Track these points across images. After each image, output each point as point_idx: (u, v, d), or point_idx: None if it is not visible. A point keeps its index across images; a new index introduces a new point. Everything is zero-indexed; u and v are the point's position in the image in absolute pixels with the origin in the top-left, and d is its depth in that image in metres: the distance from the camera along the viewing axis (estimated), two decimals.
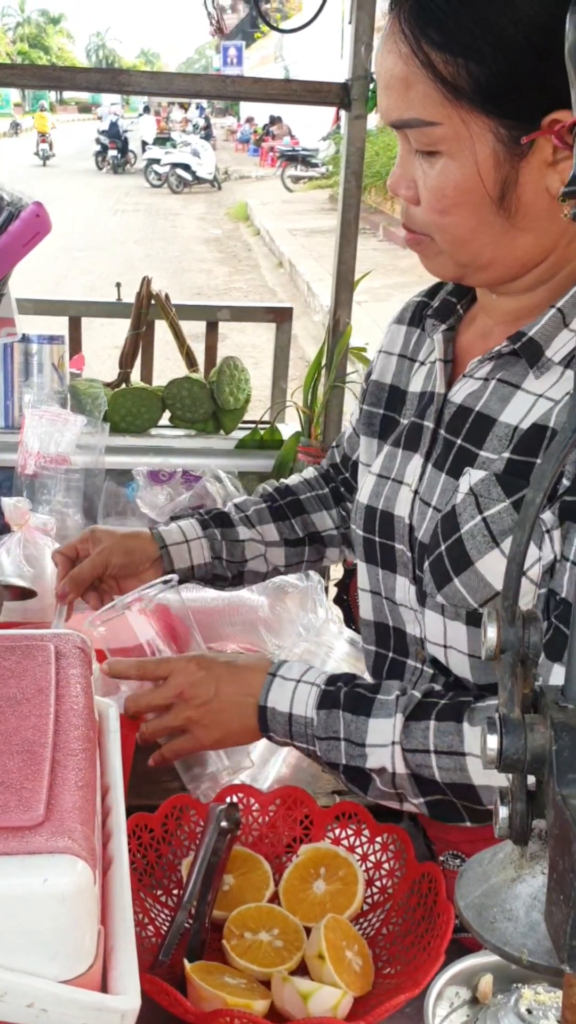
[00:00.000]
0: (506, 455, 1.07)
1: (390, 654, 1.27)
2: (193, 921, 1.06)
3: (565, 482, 0.99)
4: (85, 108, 67.46)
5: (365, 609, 1.30)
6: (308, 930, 1.07)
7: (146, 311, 2.56)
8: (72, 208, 17.18)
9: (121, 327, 2.62)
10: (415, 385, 1.27)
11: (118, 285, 2.77)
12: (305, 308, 10.46)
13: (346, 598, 2.11)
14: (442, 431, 1.17)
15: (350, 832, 1.18)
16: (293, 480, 1.55)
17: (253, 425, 2.54)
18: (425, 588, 1.15)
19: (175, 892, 1.14)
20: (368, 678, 1.35)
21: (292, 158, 23.00)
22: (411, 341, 1.30)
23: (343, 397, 2.47)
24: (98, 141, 28.57)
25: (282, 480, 1.57)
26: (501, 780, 1.03)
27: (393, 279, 9.91)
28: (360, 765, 1.09)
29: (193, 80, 2.36)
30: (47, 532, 1.80)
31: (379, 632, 1.28)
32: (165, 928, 1.09)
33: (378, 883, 1.15)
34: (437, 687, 1.15)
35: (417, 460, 1.20)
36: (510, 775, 0.58)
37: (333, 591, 2.16)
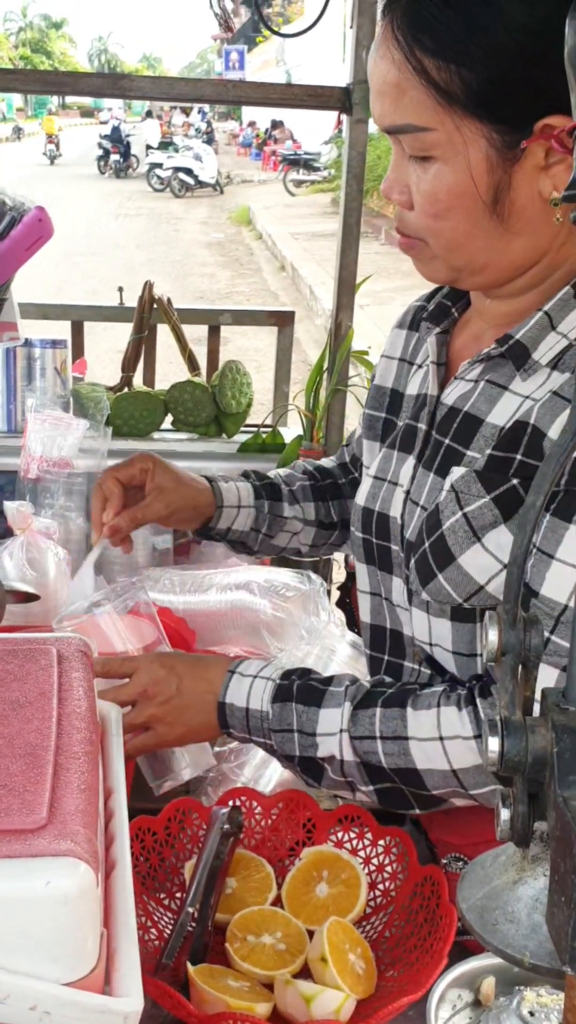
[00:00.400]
0: (488, 452, 1.08)
1: (386, 657, 1.27)
2: (196, 924, 1.06)
3: None
4: (87, 112, 67.52)
5: (364, 611, 1.31)
6: (311, 933, 1.07)
7: (148, 315, 2.56)
8: (75, 212, 17.20)
9: (123, 331, 2.63)
10: (411, 388, 1.28)
11: (120, 289, 2.77)
12: (308, 312, 10.47)
13: (348, 601, 2.11)
14: (434, 432, 1.18)
15: (353, 835, 1.19)
16: (328, 464, 1.57)
17: (255, 429, 2.54)
18: (411, 586, 1.16)
19: (178, 895, 1.14)
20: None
21: (294, 162, 23.02)
22: (410, 345, 1.32)
23: (345, 401, 2.47)
24: (100, 145, 28.59)
25: (315, 462, 1.58)
26: (443, 764, 1.05)
27: (395, 282, 9.92)
28: (312, 755, 1.11)
29: (195, 85, 2.36)
30: (50, 536, 1.80)
31: (375, 635, 1.29)
32: (168, 931, 1.09)
33: (381, 886, 1.15)
34: (387, 679, 1.16)
35: (410, 461, 1.21)
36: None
37: (336, 594, 2.16)
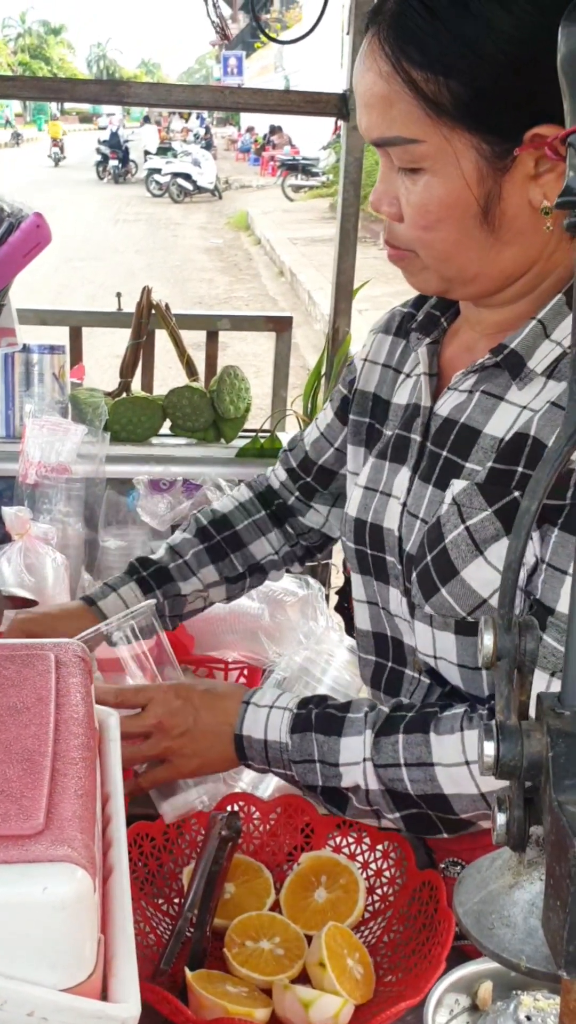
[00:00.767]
0: (489, 464, 1.08)
1: (389, 663, 1.27)
2: (194, 930, 1.06)
3: None
4: (86, 118, 67.60)
5: (362, 619, 1.30)
6: (309, 938, 1.07)
7: (146, 320, 2.56)
8: (73, 218, 17.22)
9: (121, 337, 2.63)
10: (400, 397, 1.26)
11: (118, 295, 2.77)
12: (306, 317, 10.48)
13: (346, 606, 2.11)
14: (429, 444, 1.17)
15: (351, 840, 1.19)
16: (227, 506, 1.50)
17: (253, 433, 2.55)
18: (413, 599, 1.15)
19: (176, 901, 1.14)
20: (366, 689, 1.35)
21: (292, 167, 23.06)
22: (396, 352, 1.30)
23: None
24: (99, 151, 28.62)
25: (214, 507, 1.50)
26: (471, 788, 1.04)
27: (393, 287, 9.90)
28: (336, 785, 1.09)
29: (193, 91, 2.37)
30: (48, 541, 1.81)
31: (378, 641, 1.28)
32: (166, 937, 1.09)
33: (379, 891, 1.15)
34: (406, 701, 1.15)
35: (405, 473, 1.20)
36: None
37: (334, 599, 2.16)
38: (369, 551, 1.25)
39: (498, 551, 1.05)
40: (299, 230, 16.34)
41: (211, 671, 1.61)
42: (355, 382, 1.34)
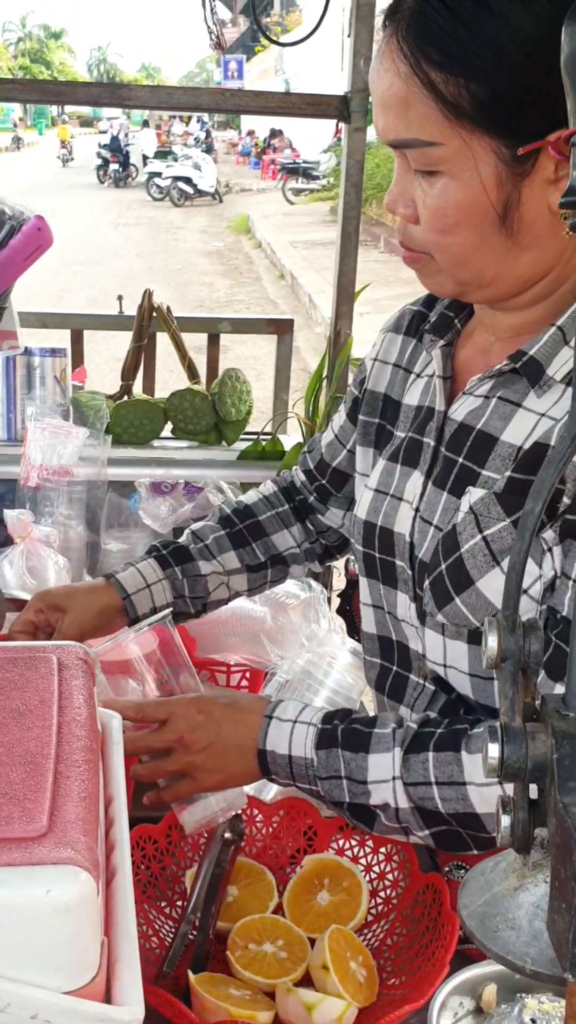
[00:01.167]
0: (507, 473, 1.06)
1: (394, 667, 1.26)
2: (197, 932, 1.06)
3: (566, 500, 0.99)
4: (87, 122, 67.69)
5: (368, 623, 1.30)
6: (312, 941, 1.07)
7: (148, 323, 2.56)
8: (74, 222, 17.24)
9: (123, 340, 2.63)
10: (411, 398, 1.25)
11: (120, 298, 2.77)
12: (307, 320, 10.48)
13: (348, 609, 2.11)
14: (443, 449, 1.16)
15: (354, 843, 1.18)
16: (251, 498, 1.51)
17: (255, 436, 2.55)
18: (425, 607, 1.14)
19: (179, 903, 1.14)
20: (368, 691, 1.35)
21: (293, 171, 23.07)
22: (407, 351, 1.29)
23: None
24: (99, 155, 28.67)
25: (240, 499, 1.52)
26: None
27: (395, 290, 9.93)
28: (364, 802, 1.07)
29: (193, 94, 2.37)
30: (50, 544, 1.81)
31: (383, 645, 1.28)
32: (169, 940, 1.09)
33: (382, 894, 1.14)
34: (433, 715, 1.13)
35: (417, 477, 1.19)
36: (510, 787, 0.58)
37: (336, 602, 2.16)
38: (378, 555, 1.24)
39: None
40: (300, 233, 16.35)
41: (213, 674, 1.61)
42: (365, 382, 1.33)
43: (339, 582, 2.29)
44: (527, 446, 1.06)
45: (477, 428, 1.11)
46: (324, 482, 1.46)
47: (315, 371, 2.49)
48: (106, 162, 28.24)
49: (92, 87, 2.51)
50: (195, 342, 2.68)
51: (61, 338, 2.62)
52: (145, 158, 27.76)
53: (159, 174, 23.69)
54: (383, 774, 1.06)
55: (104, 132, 33.07)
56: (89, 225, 18.09)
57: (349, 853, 1.18)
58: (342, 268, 2.37)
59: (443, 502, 1.14)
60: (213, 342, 2.79)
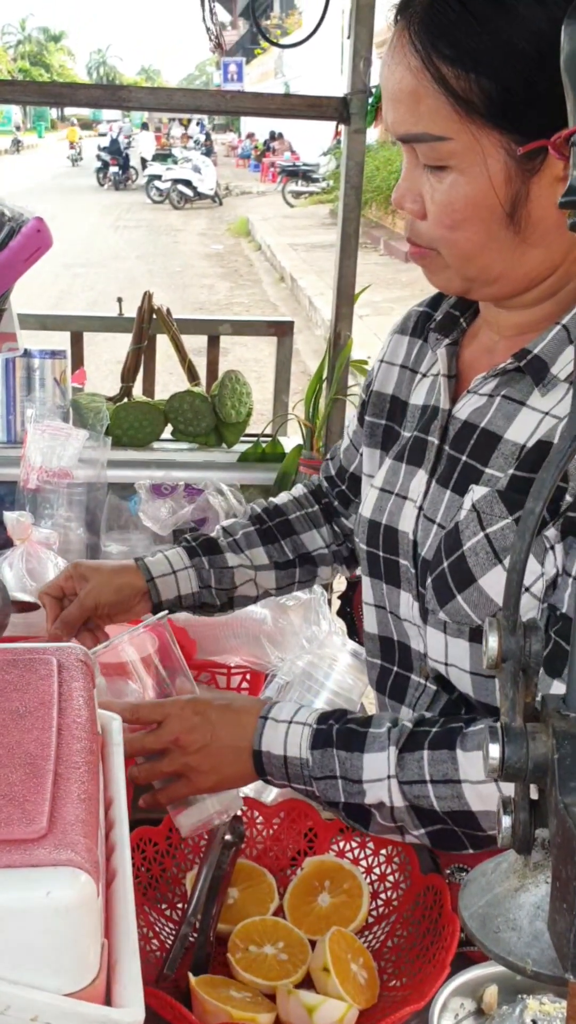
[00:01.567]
0: (511, 472, 1.06)
1: (395, 668, 1.26)
2: (198, 934, 1.06)
3: (568, 498, 0.99)
4: (86, 125, 67.71)
5: (370, 623, 1.30)
6: (313, 943, 1.06)
7: (148, 325, 2.57)
8: (74, 224, 17.25)
9: (123, 342, 2.63)
10: (416, 398, 1.25)
11: (119, 300, 2.78)
12: (307, 322, 10.49)
13: (349, 610, 2.11)
14: (447, 447, 1.16)
15: (354, 844, 1.18)
16: (282, 499, 1.53)
17: (255, 438, 2.55)
18: (427, 605, 1.14)
19: (179, 906, 1.14)
20: (370, 692, 1.34)
21: (293, 173, 23.08)
22: (412, 352, 1.29)
23: (344, 410, 2.47)
24: (99, 158, 28.69)
25: (271, 499, 1.54)
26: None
27: (394, 293, 9.93)
28: (359, 802, 1.07)
29: (193, 95, 2.38)
30: (50, 546, 1.81)
31: (384, 646, 1.28)
32: (170, 942, 1.08)
33: (383, 895, 1.14)
34: (428, 715, 1.13)
35: (421, 476, 1.19)
36: (510, 787, 0.57)
37: (336, 603, 2.16)
38: (382, 554, 1.24)
39: None
40: (299, 236, 16.36)
41: (213, 676, 1.61)
42: (372, 384, 1.34)
43: (339, 584, 2.29)
44: (531, 444, 1.06)
45: (481, 426, 1.11)
46: (344, 487, 1.49)
47: (315, 373, 2.50)
48: (106, 165, 28.27)
49: (92, 88, 2.50)
50: (195, 344, 2.69)
51: (61, 340, 2.63)
52: (144, 161, 27.80)
53: (159, 177, 23.72)
54: (378, 773, 1.06)
55: (104, 135, 33.12)
56: (89, 228, 18.11)
57: (350, 855, 1.18)
58: (342, 270, 2.38)
59: (447, 500, 1.14)
60: (213, 344, 2.79)
